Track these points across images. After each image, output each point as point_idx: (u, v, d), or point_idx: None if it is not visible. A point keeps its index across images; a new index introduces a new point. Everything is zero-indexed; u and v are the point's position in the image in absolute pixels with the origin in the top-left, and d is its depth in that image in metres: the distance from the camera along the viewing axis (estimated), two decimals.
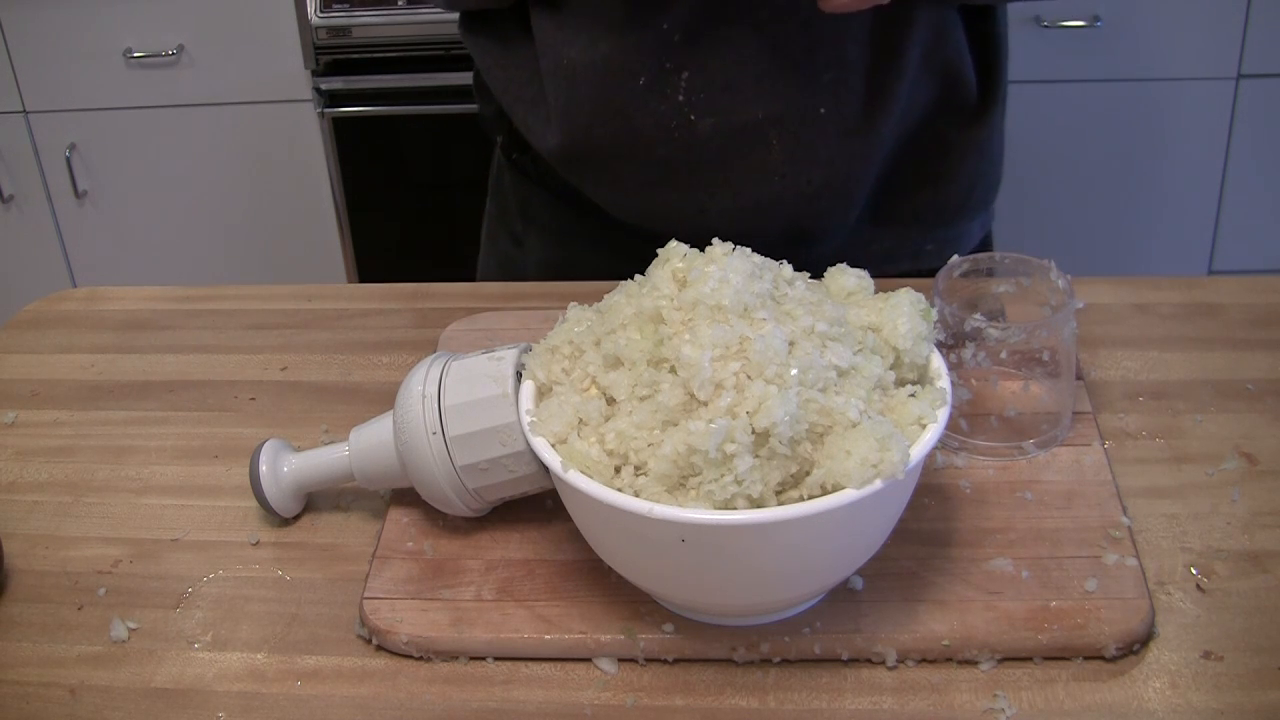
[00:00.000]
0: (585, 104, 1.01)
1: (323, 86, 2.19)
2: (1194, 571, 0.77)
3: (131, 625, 0.78)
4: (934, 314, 0.76)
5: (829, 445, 0.66)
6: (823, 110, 0.99)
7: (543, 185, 1.14)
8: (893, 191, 1.07)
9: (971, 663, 0.72)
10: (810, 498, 0.66)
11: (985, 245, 1.15)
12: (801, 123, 0.99)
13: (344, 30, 2.12)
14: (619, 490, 0.67)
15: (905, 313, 0.74)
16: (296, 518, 0.85)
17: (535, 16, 1.02)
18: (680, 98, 0.98)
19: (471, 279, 1.23)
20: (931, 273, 0.99)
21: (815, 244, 1.04)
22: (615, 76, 0.98)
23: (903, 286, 0.76)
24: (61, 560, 0.83)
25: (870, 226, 1.07)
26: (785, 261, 0.75)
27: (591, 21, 0.99)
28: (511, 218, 1.19)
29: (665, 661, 0.74)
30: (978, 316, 0.83)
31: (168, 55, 2.20)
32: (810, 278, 0.77)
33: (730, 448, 0.65)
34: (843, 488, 0.65)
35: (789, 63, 0.97)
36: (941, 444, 0.85)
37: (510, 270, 1.19)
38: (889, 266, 1.08)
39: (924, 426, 0.69)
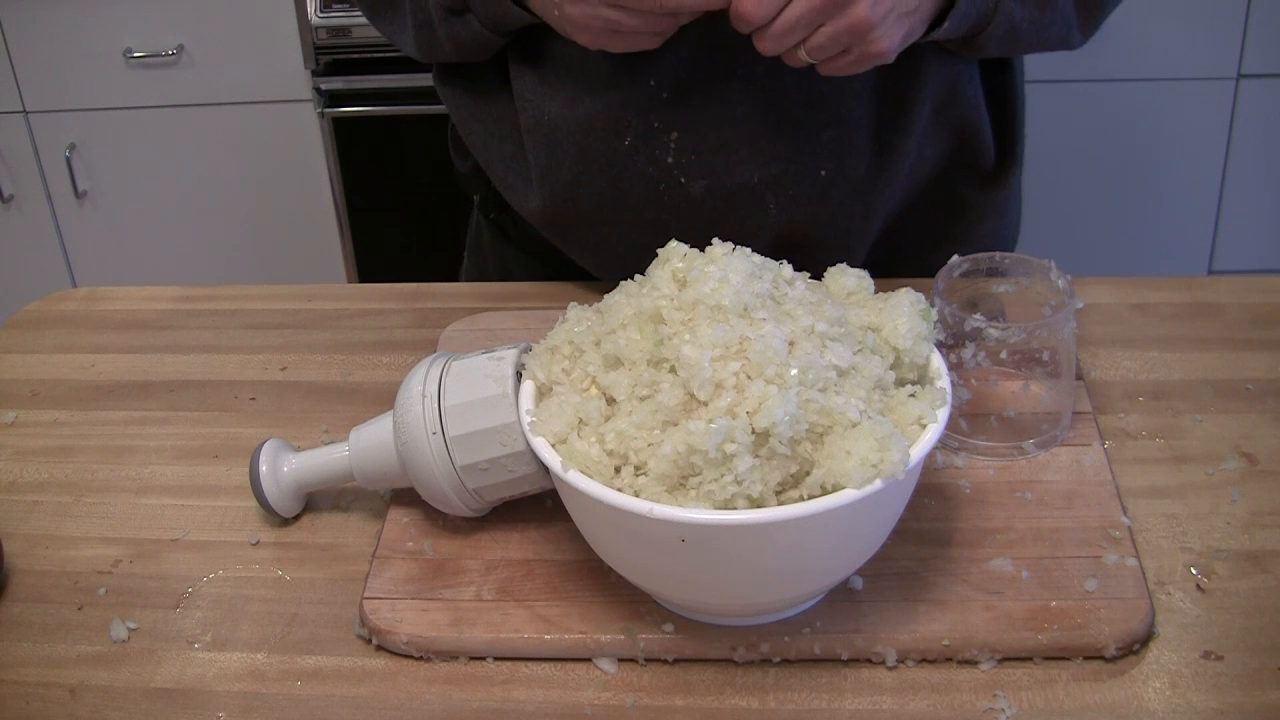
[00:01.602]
0: (567, 163, 0.95)
1: (323, 86, 2.18)
2: (1194, 571, 0.77)
3: (131, 625, 0.78)
4: (934, 314, 0.76)
5: (829, 445, 0.66)
6: (824, 172, 0.93)
7: (523, 248, 1.10)
8: (904, 254, 1.02)
9: (971, 663, 0.72)
10: (810, 498, 0.66)
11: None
12: (800, 185, 0.94)
13: (344, 30, 2.12)
14: (619, 490, 0.67)
15: (905, 313, 0.74)
16: (296, 518, 0.85)
17: (514, 70, 0.97)
18: (670, 159, 0.93)
19: None
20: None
21: None
22: (599, 136, 0.93)
23: (903, 286, 0.76)
24: (61, 560, 0.83)
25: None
26: (785, 261, 0.75)
27: (574, 77, 0.94)
28: (490, 280, 1.14)
29: (665, 661, 0.74)
30: (978, 316, 0.83)
31: (168, 55, 2.20)
32: (810, 278, 0.77)
33: (730, 448, 0.65)
34: (843, 488, 0.65)
35: (786, 122, 0.92)
36: (941, 444, 0.85)
37: None
38: None
39: (924, 426, 0.69)
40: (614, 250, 0.99)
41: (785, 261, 0.75)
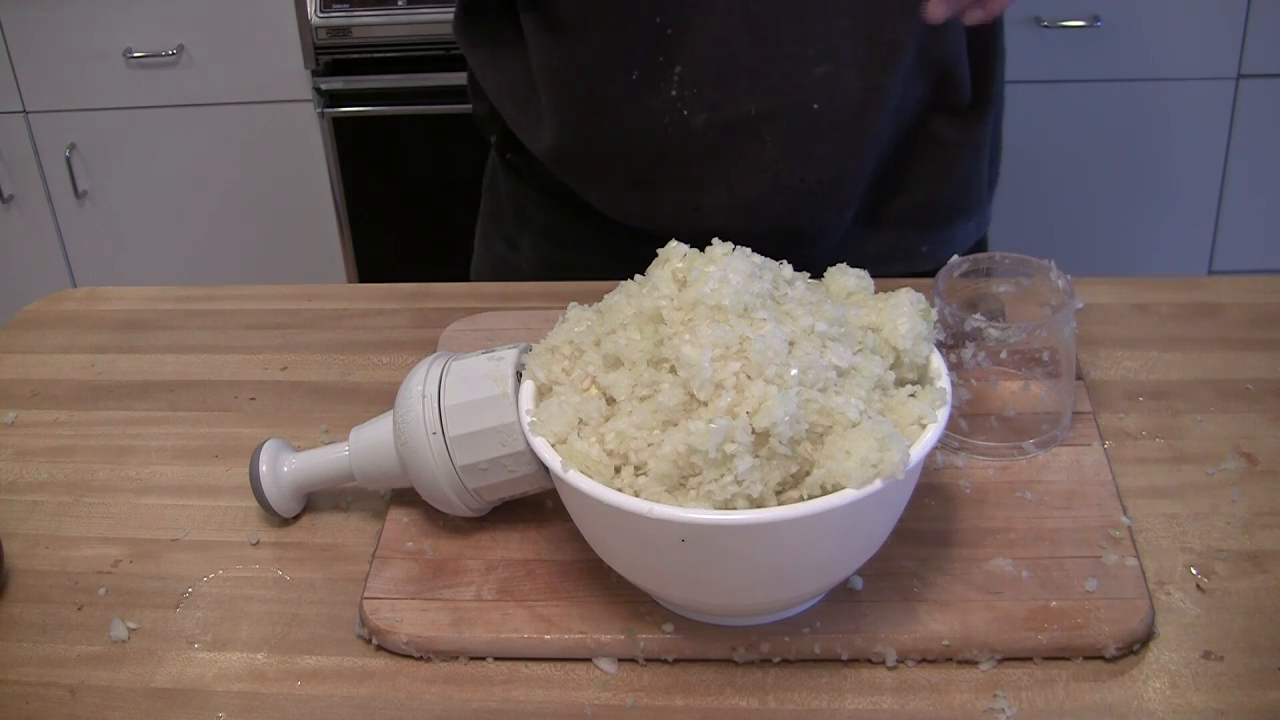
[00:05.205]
0: (577, 102, 1.00)
1: (323, 86, 2.19)
2: (1194, 571, 0.77)
3: (131, 625, 0.78)
4: (934, 314, 0.76)
5: (829, 445, 0.66)
6: (816, 106, 0.98)
7: (536, 186, 1.14)
8: (887, 192, 1.07)
9: (971, 663, 0.72)
10: (810, 498, 0.66)
11: (981, 248, 1.15)
12: (794, 118, 0.99)
13: (344, 30, 2.12)
14: (619, 490, 0.67)
15: (905, 313, 0.74)
16: (296, 518, 0.85)
17: (525, 17, 1.02)
18: (673, 92, 0.98)
19: (470, 279, 1.23)
20: (928, 274, 0.99)
21: (810, 245, 1.04)
22: (607, 72, 0.98)
23: (903, 286, 0.76)
24: (61, 560, 0.83)
25: (865, 227, 1.07)
26: (785, 262, 0.75)
27: (581, 19, 0.98)
28: (506, 219, 1.18)
29: (665, 661, 0.74)
30: (978, 316, 0.83)
31: (168, 55, 2.20)
32: (810, 278, 0.77)
33: (730, 448, 0.65)
34: (843, 488, 0.65)
35: (780, 57, 0.97)
36: (941, 444, 0.85)
37: (505, 273, 1.18)
38: (884, 268, 1.06)
39: (924, 426, 0.69)
40: (621, 183, 1.04)
41: (785, 262, 0.75)
